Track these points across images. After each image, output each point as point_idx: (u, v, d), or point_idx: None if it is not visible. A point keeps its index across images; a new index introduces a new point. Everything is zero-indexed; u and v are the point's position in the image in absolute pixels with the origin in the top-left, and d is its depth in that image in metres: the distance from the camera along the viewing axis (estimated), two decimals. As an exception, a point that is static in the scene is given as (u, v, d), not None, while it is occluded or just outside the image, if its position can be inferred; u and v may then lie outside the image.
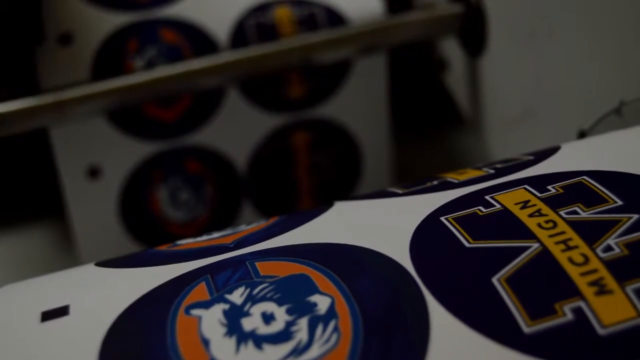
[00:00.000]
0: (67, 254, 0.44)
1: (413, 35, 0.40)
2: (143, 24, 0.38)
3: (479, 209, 0.22)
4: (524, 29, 0.36)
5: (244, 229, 0.24)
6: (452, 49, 0.43)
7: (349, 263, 0.21)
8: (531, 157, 0.25)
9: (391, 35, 0.39)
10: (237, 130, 0.41)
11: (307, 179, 0.43)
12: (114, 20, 0.38)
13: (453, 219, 0.22)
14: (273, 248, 0.22)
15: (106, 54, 0.38)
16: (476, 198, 0.23)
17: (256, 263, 0.21)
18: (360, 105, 0.42)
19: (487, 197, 0.22)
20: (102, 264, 0.23)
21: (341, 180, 0.44)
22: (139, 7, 0.38)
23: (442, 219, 0.22)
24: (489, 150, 0.41)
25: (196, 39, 0.39)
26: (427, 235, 0.21)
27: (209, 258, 0.22)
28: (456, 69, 0.43)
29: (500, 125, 0.40)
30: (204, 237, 0.24)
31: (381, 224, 0.22)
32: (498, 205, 0.22)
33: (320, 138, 0.43)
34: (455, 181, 0.24)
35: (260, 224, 0.25)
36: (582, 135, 0.32)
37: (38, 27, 0.36)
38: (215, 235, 0.24)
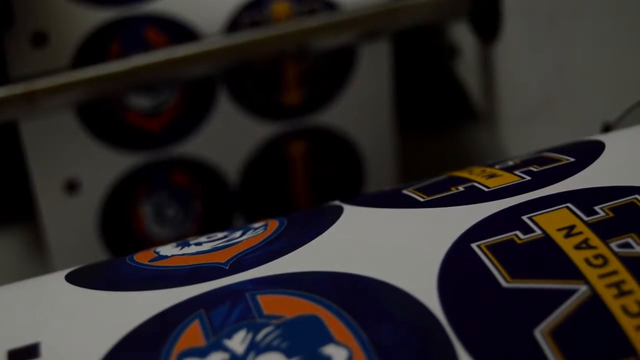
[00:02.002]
0: (38, 261, 0.44)
1: (419, 19, 0.39)
2: (125, 23, 0.38)
3: (516, 235, 0.20)
4: (542, 11, 0.36)
5: (239, 239, 0.23)
6: (462, 35, 0.43)
7: (368, 303, 0.19)
8: (571, 159, 0.24)
9: (395, 20, 0.39)
10: (228, 140, 0.40)
11: (304, 192, 0.43)
12: (93, 17, 0.38)
13: (487, 247, 0.20)
14: (277, 276, 0.21)
15: (85, 57, 0.37)
16: (512, 218, 0.21)
17: (258, 297, 0.20)
18: (361, 112, 0.42)
19: (524, 218, 0.21)
20: (74, 279, 0.22)
21: (341, 194, 0.42)
22: (120, 2, 0.38)
23: (474, 246, 0.20)
24: (503, 145, 0.41)
25: (184, 40, 0.38)
26: (457, 269, 0.20)
27: (201, 284, 0.21)
28: (467, 57, 0.43)
29: (516, 119, 0.40)
30: (192, 247, 0.23)
31: (403, 249, 0.21)
32: (538, 231, 0.20)
33: (318, 148, 0.42)
34: (485, 189, 0.23)
35: (258, 232, 0.23)
36: (607, 128, 0.31)
37: (5, 9, 0.36)
38: (205, 244, 0.23)
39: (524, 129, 0.39)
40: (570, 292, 0.19)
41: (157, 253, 0.23)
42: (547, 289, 0.19)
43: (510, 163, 0.25)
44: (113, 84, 0.36)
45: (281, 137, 0.41)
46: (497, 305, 0.19)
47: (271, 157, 0.42)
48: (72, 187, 0.39)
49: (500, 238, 0.20)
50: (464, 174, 0.25)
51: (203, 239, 0.24)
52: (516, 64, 0.39)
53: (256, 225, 0.24)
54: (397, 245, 0.21)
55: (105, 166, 0.39)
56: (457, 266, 0.20)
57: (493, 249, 0.20)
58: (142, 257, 0.23)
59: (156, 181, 0.40)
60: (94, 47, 0.37)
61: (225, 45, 0.37)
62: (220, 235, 0.24)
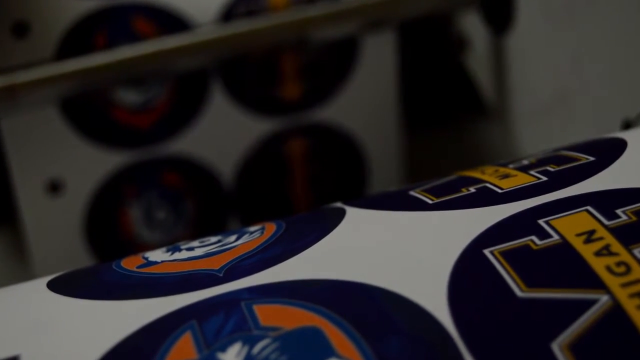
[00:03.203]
0: (19, 267, 0.44)
1: (425, 9, 0.39)
2: (112, 12, 0.38)
3: (532, 240, 0.20)
4: (558, 1, 0.36)
5: (234, 244, 0.23)
6: (473, 25, 0.43)
7: (372, 314, 0.19)
8: (591, 158, 0.23)
9: (400, 9, 0.39)
10: (222, 137, 0.40)
11: (303, 193, 0.43)
12: (78, 6, 0.37)
13: (500, 253, 0.20)
14: (274, 284, 0.20)
15: (69, 49, 0.37)
16: (527, 222, 0.21)
17: (254, 306, 0.20)
18: (365, 108, 0.42)
19: (541, 222, 0.21)
20: (57, 286, 0.22)
21: (343, 195, 0.43)
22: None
23: (487, 252, 0.20)
24: (516, 143, 0.41)
25: (175, 30, 0.38)
26: (468, 277, 0.19)
27: (193, 293, 0.21)
28: (478, 49, 0.43)
29: (530, 115, 0.40)
30: (183, 252, 0.23)
31: (410, 256, 0.20)
32: (556, 236, 0.20)
33: (319, 146, 0.42)
34: (499, 190, 0.22)
35: (254, 236, 0.23)
36: (627, 125, 0.32)
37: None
38: (197, 249, 0.23)
39: (538, 126, 0.39)
40: (591, 303, 0.18)
41: (146, 259, 0.23)
42: (566, 299, 0.19)
43: (525, 162, 0.25)
44: (99, 77, 0.36)
45: (279, 134, 0.41)
46: (511, 317, 0.18)
47: (268, 155, 0.42)
48: (55, 187, 0.39)
49: (515, 244, 0.20)
50: (475, 174, 0.24)
51: (195, 243, 0.24)
52: (530, 57, 0.39)
53: (252, 228, 0.24)
54: (403, 251, 0.21)
55: (91, 165, 0.39)
56: (469, 274, 0.20)
57: (507, 255, 0.20)
58: (130, 263, 0.23)
59: (145, 181, 0.40)
60: (79, 38, 0.37)
61: (219, 36, 0.37)
62: (213, 239, 0.24)
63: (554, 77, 0.37)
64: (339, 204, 0.25)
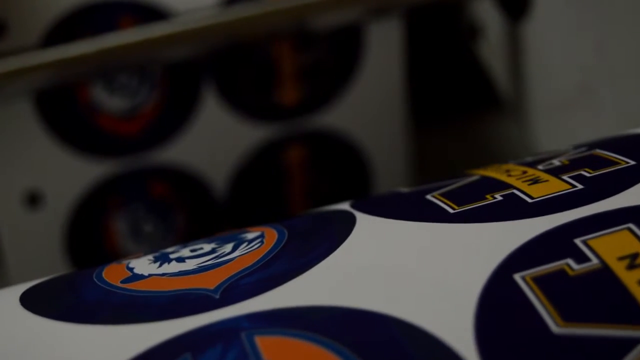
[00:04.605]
0: None
1: None
2: (97, 9, 0.38)
3: (567, 264, 0.19)
4: None
5: (230, 255, 0.22)
6: (486, 11, 0.43)
7: (389, 350, 0.18)
8: (630, 161, 0.23)
9: None
10: (215, 145, 0.40)
11: (302, 206, 0.43)
12: (61, 2, 0.37)
13: (533, 279, 0.19)
14: (278, 310, 0.19)
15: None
16: (562, 241, 0.20)
17: (256, 338, 0.19)
18: (369, 112, 0.42)
19: (577, 242, 0.20)
20: (30, 302, 0.21)
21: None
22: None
23: (518, 277, 0.19)
24: (533, 140, 0.41)
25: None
26: (498, 309, 0.18)
27: (186, 319, 0.20)
28: (492, 37, 0.43)
29: (549, 109, 0.40)
30: (173, 264, 0.22)
31: (431, 279, 0.20)
32: (595, 260, 0.19)
33: (319, 153, 0.42)
34: (528, 199, 0.22)
35: (253, 247, 0.22)
36: None
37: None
38: (188, 260, 0.22)
39: (558, 121, 0.39)
40: (635, 341, 0.18)
41: (131, 270, 0.23)
42: (607, 337, 0.18)
43: (557, 163, 0.24)
44: (81, 68, 0.36)
45: (276, 141, 0.41)
46: (546, 356, 0.17)
47: (265, 164, 0.42)
48: (34, 199, 0.39)
49: (549, 268, 0.19)
50: (500, 175, 0.24)
51: (186, 252, 0.23)
52: (550, 45, 0.39)
53: (250, 235, 0.23)
54: (423, 274, 0.20)
55: (72, 175, 0.39)
56: (498, 305, 0.19)
57: (541, 282, 0.19)
58: (113, 275, 0.22)
59: (132, 192, 0.40)
60: (61, 37, 0.37)
61: (210, 23, 0.37)
62: (206, 247, 0.23)
63: (576, 67, 0.37)
64: (346, 206, 0.24)
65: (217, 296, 0.20)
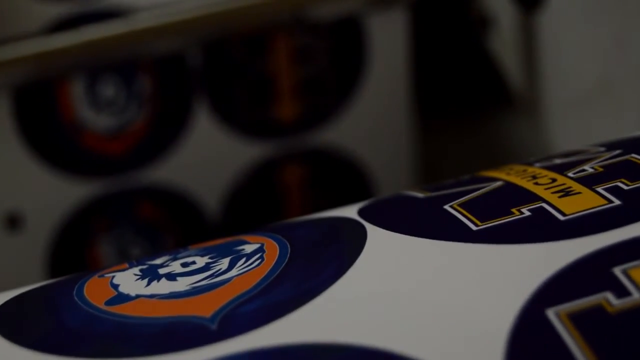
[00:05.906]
0: None
1: None
2: (82, 20, 0.38)
3: (606, 299, 0.18)
4: None
5: (227, 275, 0.21)
6: (497, 1, 0.43)
7: None
8: None
9: None
10: (207, 164, 0.40)
11: None
12: (44, 14, 0.38)
13: (568, 316, 0.18)
14: (285, 348, 0.18)
15: None
16: (600, 270, 0.19)
17: None
18: (372, 128, 0.42)
19: (616, 272, 0.19)
20: (5, 325, 0.21)
21: None
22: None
23: (551, 313, 0.18)
24: (548, 139, 0.41)
25: None
26: (529, 353, 0.17)
27: (179, 355, 0.19)
28: (504, 30, 0.43)
29: (565, 106, 0.39)
30: (163, 282, 0.22)
31: (455, 314, 0.19)
32: (636, 295, 0.18)
33: (319, 172, 0.42)
34: (560, 217, 0.21)
35: (252, 265, 0.22)
36: None
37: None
38: (180, 278, 0.22)
39: (575, 119, 0.39)
40: None
41: (116, 288, 0.22)
42: None
43: (589, 169, 0.23)
44: (61, 63, 0.36)
45: (273, 160, 0.42)
46: None
47: (260, 184, 0.42)
48: (13, 222, 0.39)
49: (586, 303, 0.18)
50: (526, 182, 0.23)
51: (177, 266, 0.22)
52: (565, 37, 0.38)
53: (247, 248, 0.23)
54: (445, 308, 0.19)
55: (55, 196, 0.39)
56: (529, 348, 0.17)
57: (577, 320, 0.18)
58: (96, 294, 0.21)
59: (118, 215, 0.40)
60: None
61: (202, 14, 0.37)
62: (199, 262, 0.22)
63: (594, 62, 0.37)
64: (353, 213, 0.23)
65: (214, 327, 0.19)
